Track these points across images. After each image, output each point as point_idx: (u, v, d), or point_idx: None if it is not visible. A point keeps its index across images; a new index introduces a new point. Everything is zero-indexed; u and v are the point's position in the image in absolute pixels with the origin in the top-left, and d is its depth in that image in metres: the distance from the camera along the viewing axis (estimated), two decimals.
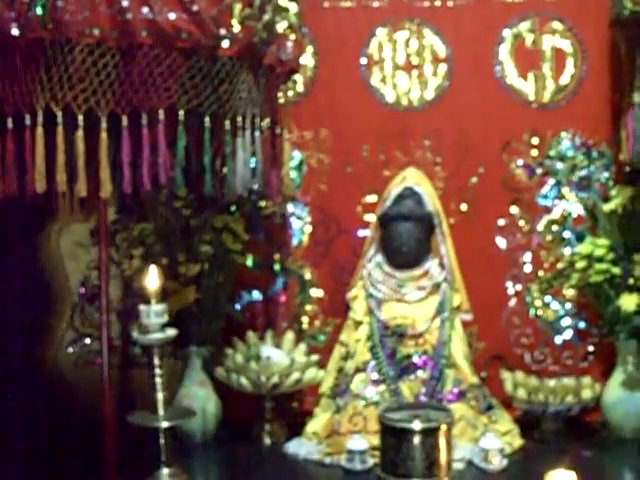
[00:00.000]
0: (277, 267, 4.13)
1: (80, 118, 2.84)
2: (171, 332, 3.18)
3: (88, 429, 3.49)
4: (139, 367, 3.88)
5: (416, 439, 2.97)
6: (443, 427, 3.01)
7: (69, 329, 4.04)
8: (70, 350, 4.04)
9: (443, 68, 4.08)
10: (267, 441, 3.77)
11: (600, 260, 3.72)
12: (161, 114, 2.95)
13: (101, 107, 2.87)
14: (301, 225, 4.13)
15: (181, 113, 3.00)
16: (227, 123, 3.11)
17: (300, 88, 4.09)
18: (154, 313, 3.14)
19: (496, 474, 3.34)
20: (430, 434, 2.98)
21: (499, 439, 3.45)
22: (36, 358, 3.98)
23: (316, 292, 4.13)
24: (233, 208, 3.90)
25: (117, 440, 3.33)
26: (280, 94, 3.63)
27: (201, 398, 3.75)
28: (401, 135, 4.08)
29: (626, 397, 3.70)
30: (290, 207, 4.11)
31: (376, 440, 3.20)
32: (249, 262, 4.03)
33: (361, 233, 4.07)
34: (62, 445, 3.84)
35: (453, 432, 3.27)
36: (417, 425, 2.98)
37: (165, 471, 3.18)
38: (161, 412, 3.19)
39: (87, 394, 3.86)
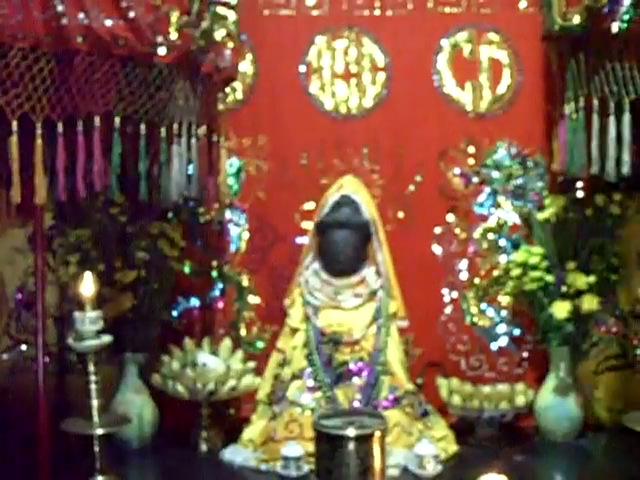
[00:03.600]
0: (214, 274, 4.13)
1: (14, 124, 2.80)
2: (106, 339, 3.17)
3: (23, 436, 3.45)
4: (76, 374, 3.84)
5: (350, 446, 2.97)
6: (377, 434, 3.02)
7: (4, 336, 3.99)
8: (5, 357, 3.99)
9: (382, 77, 4.12)
10: (204, 448, 3.77)
11: (534, 268, 3.78)
12: (97, 121, 2.95)
13: (36, 112, 2.85)
14: (239, 232, 4.14)
15: (117, 120, 3.00)
16: (163, 130, 3.12)
17: (239, 95, 4.11)
18: (89, 320, 3.13)
19: (430, 479, 3.38)
20: (364, 441, 2.99)
21: (434, 445, 3.49)
22: None
23: (253, 299, 4.15)
24: (170, 215, 3.89)
25: (52, 447, 3.30)
26: (219, 101, 3.64)
27: (137, 405, 3.74)
28: (339, 143, 4.12)
29: (558, 403, 3.77)
30: (228, 214, 4.12)
31: (312, 447, 3.20)
32: (186, 269, 4.02)
33: (299, 240, 4.09)
34: None
35: (388, 438, 3.30)
36: (351, 432, 2.99)
37: (99, 479, 3.17)
38: (96, 419, 3.18)
39: (22, 401, 3.81)
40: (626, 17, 3.01)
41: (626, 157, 3.20)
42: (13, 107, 2.80)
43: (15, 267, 4.00)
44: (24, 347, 4.00)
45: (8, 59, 2.78)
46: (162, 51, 3.03)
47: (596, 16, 3.10)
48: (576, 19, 3.21)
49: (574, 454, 3.73)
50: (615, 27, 3.06)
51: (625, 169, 3.21)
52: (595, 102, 3.26)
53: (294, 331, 3.80)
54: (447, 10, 4.11)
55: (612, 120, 3.22)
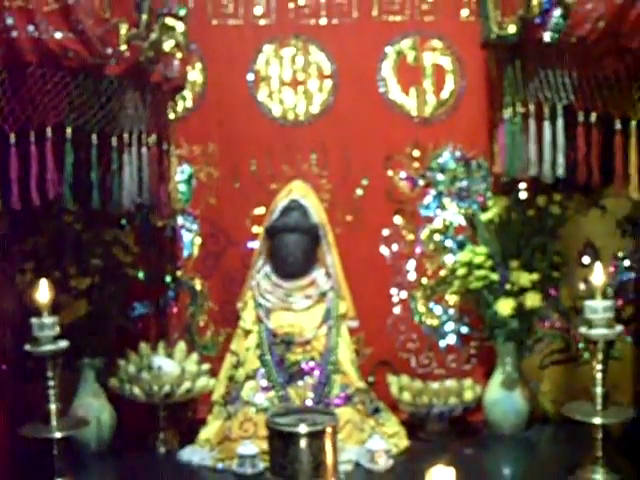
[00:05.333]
0: (168, 279, 4.19)
1: None
2: (62, 344, 3.25)
3: None
4: (35, 381, 3.86)
5: (302, 442, 3.08)
6: (328, 430, 3.12)
7: None
8: None
9: (328, 84, 4.20)
10: (161, 449, 3.83)
11: (479, 267, 3.87)
12: (49, 131, 3.02)
13: None
14: (191, 237, 4.20)
15: (68, 131, 3.07)
16: (114, 140, 3.20)
17: (189, 104, 4.16)
18: (45, 326, 3.21)
19: (382, 474, 3.48)
20: (316, 437, 3.09)
21: (385, 440, 3.59)
22: None
23: (207, 303, 4.22)
24: (124, 222, 3.95)
25: (11, 453, 3.35)
26: (169, 110, 3.71)
27: (95, 408, 3.78)
28: (288, 149, 4.19)
29: (505, 396, 3.88)
30: (180, 220, 4.18)
31: (266, 445, 3.29)
32: (140, 274, 4.06)
33: (250, 245, 4.16)
34: None
35: (340, 435, 3.41)
36: (303, 428, 3.09)
37: None
38: (54, 423, 3.26)
39: None
40: (556, 28, 3.12)
41: (560, 159, 3.31)
42: None
43: None
44: None
45: None
46: (112, 63, 3.09)
47: (529, 26, 3.20)
48: (511, 29, 3.31)
49: (521, 445, 3.84)
50: (547, 37, 3.16)
51: (560, 171, 3.32)
52: (531, 107, 3.37)
53: (247, 333, 3.88)
54: (391, 18, 4.18)
55: (547, 124, 3.33)
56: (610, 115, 3.21)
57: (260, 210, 4.16)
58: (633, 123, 3.16)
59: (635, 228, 4.02)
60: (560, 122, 3.32)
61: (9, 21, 2.85)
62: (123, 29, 3.12)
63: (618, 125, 3.18)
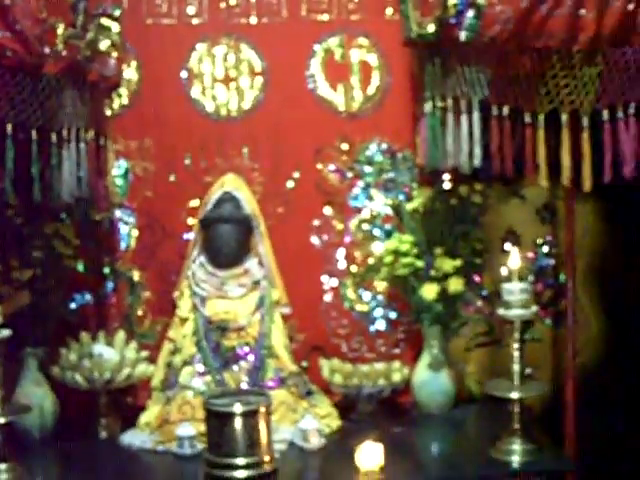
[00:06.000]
0: (107, 270, 4.28)
1: None
2: (5, 332, 3.35)
3: None
4: None
5: (237, 421, 3.21)
6: (262, 409, 3.26)
7: None
8: None
9: (259, 80, 4.32)
10: (103, 434, 3.93)
11: (405, 254, 4.02)
12: None
13: None
14: (128, 230, 4.29)
15: (9, 127, 3.17)
16: (53, 136, 3.30)
17: (125, 101, 4.25)
18: None
19: (315, 451, 3.63)
20: (250, 416, 3.22)
21: (318, 421, 3.74)
22: None
23: (145, 293, 4.32)
24: (64, 215, 4.03)
25: None
26: (106, 107, 3.82)
27: (38, 396, 3.85)
28: (221, 143, 4.30)
29: (432, 378, 4.04)
30: (118, 213, 4.27)
31: (204, 426, 3.40)
32: (80, 266, 4.16)
33: (186, 236, 4.27)
34: None
35: (274, 416, 3.56)
36: (238, 408, 3.22)
37: (1, 466, 3.34)
38: None
39: None
40: (470, 28, 3.31)
41: (477, 150, 3.49)
42: None
43: None
44: None
45: None
46: (50, 62, 3.21)
47: (446, 26, 3.37)
48: (430, 28, 3.47)
49: (447, 423, 4.01)
50: (462, 36, 3.34)
51: (476, 161, 3.50)
52: (449, 102, 3.54)
53: (183, 321, 4.00)
54: (319, 17, 4.31)
55: (464, 118, 3.51)
56: (520, 109, 3.39)
57: (195, 202, 4.25)
58: (541, 117, 3.35)
59: (553, 216, 4.23)
60: (476, 115, 3.48)
61: None
62: (60, 29, 3.23)
63: (528, 118, 3.37)
